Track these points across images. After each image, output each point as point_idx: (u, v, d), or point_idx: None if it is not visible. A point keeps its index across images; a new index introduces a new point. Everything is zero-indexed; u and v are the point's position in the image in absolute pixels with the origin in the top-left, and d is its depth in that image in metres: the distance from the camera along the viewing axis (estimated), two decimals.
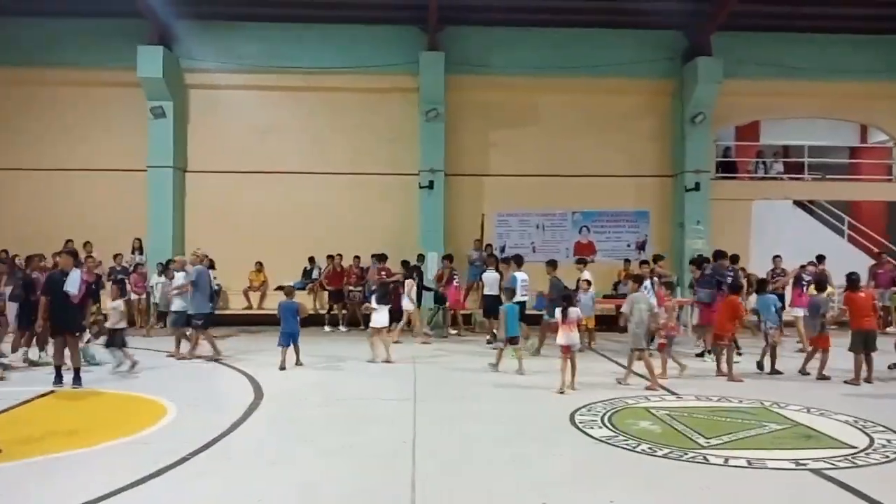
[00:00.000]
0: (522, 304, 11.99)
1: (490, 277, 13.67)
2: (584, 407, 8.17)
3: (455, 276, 15.57)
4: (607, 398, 8.70)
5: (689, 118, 17.16)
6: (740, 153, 19.51)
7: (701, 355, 11.95)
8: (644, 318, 9.69)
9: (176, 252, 16.39)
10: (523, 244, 17.89)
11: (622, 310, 10.24)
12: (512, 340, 10.68)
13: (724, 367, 10.31)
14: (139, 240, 16.39)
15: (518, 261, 12.81)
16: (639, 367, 9.95)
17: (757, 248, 16.71)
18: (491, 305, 13.27)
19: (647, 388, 9.31)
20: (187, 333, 11.88)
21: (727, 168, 18.85)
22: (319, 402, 8.53)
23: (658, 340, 10.40)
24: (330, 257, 16.56)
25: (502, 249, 17.32)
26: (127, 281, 14.81)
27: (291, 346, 11.01)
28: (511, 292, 11.24)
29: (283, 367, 10.74)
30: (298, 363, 11.02)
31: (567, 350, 9.31)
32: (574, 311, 9.48)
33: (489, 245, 17.14)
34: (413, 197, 17.02)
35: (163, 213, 16.73)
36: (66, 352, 9.47)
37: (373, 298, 11.84)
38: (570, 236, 18.11)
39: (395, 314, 15.88)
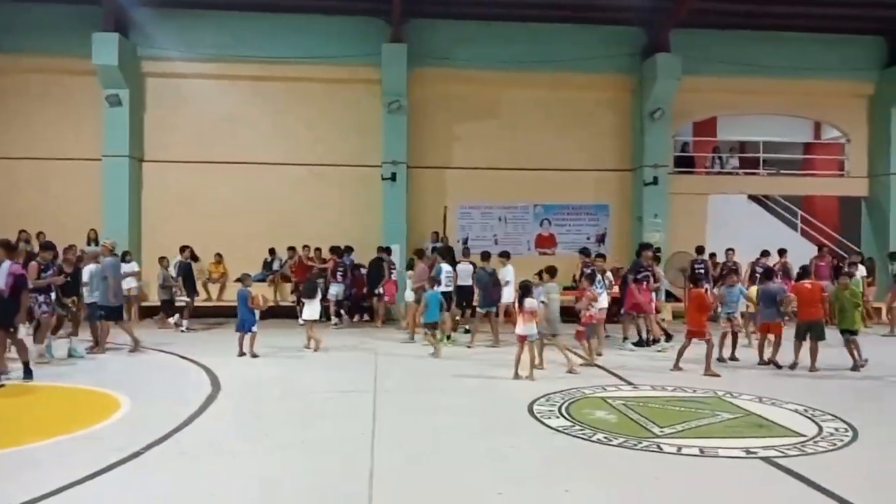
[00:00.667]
0: (447, 294, 12.69)
1: (464, 269, 13.80)
2: (542, 397, 8.23)
3: (393, 269, 15.50)
4: (565, 388, 8.77)
5: (649, 114, 17.33)
6: (698, 148, 19.80)
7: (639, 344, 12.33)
8: (556, 307, 10.24)
9: (132, 243, 16.11)
10: (485, 236, 18.01)
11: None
12: (431, 326, 11.45)
13: (713, 361, 10.16)
14: (94, 230, 16.00)
15: (443, 252, 13.88)
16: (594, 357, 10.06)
17: (713, 242, 16.98)
18: (464, 297, 13.64)
19: (582, 366, 10.15)
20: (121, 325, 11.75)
21: (685, 163, 19.15)
22: (278, 395, 8.47)
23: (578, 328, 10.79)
24: (292, 249, 16.42)
25: (465, 241, 17.38)
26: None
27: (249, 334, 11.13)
28: (434, 281, 12.18)
29: (241, 354, 10.98)
30: (252, 354, 11.03)
31: (523, 339, 9.44)
32: (530, 302, 9.56)
33: (438, 234, 17.09)
34: (376, 189, 16.91)
35: (118, 204, 16.36)
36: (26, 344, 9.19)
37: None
38: (532, 229, 18.24)
39: (358, 303, 15.90)
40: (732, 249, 15.51)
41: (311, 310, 11.82)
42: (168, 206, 16.92)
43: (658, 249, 15.03)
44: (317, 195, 17.15)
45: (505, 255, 13.84)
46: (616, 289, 13.23)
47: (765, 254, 15.10)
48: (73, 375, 9.50)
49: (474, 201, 17.91)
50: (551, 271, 10.55)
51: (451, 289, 13.09)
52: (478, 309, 12.90)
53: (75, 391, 8.60)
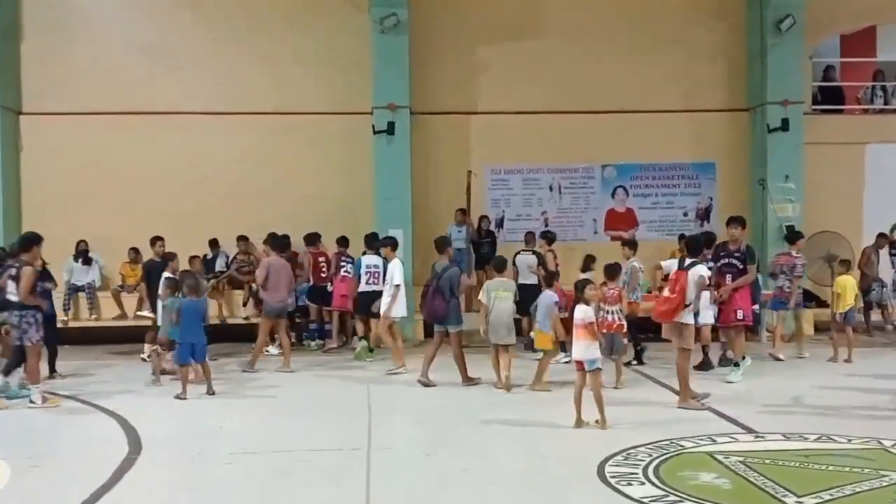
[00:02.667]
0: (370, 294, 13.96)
1: (524, 261, 14.20)
2: (619, 454, 8.12)
3: (344, 264, 15.63)
4: (653, 440, 8.65)
5: (773, 25, 17.11)
6: (848, 75, 19.43)
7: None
8: (506, 306, 11.31)
9: (8, 232, 16.13)
10: (530, 214, 17.96)
11: (479, 297, 12.01)
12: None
13: None
14: None
15: (368, 242, 14.73)
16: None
17: (872, 213, 16.78)
18: (527, 298, 13.35)
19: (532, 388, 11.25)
20: None
21: (829, 98, 18.90)
22: (224, 456, 8.44)
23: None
24: (243, 239, 16.50)
25: (500, 223, 17.31)
26: None
27: (195, 365, 11.42)
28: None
29: (181, 396, 11.10)
30: (209, 391, 11.35)
31: (581, 367, 9.38)
32: (584, 312, 9.50)
33: (484, 216, 17.16)
34: (364, 147, 16.97)
35: None
36: None
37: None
38: (600, 201, 18.19)
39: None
40: None
41: None
42: (59, 180, 16.96)
43: (793, 230, 14.87)
44: (280, 159, 17.29)
45: (548, 238, 13.84)
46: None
47: None
48: None
49: (512, 162, 17.89)
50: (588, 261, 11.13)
51: (376, 287, 13.92)
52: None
53: None
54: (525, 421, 9.78)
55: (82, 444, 9.12)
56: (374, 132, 16.76)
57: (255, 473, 7.87)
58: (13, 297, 10.66)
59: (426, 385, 11.80)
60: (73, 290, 16.26)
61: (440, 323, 12.16)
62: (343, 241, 15.84)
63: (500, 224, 17.53)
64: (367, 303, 14.16)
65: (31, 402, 10.78)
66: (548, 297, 11.66)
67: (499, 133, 17.71)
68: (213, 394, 11.33)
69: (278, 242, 14.32)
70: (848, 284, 13.56)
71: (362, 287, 14.33)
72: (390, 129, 16.67)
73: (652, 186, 18.27)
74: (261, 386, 12.31)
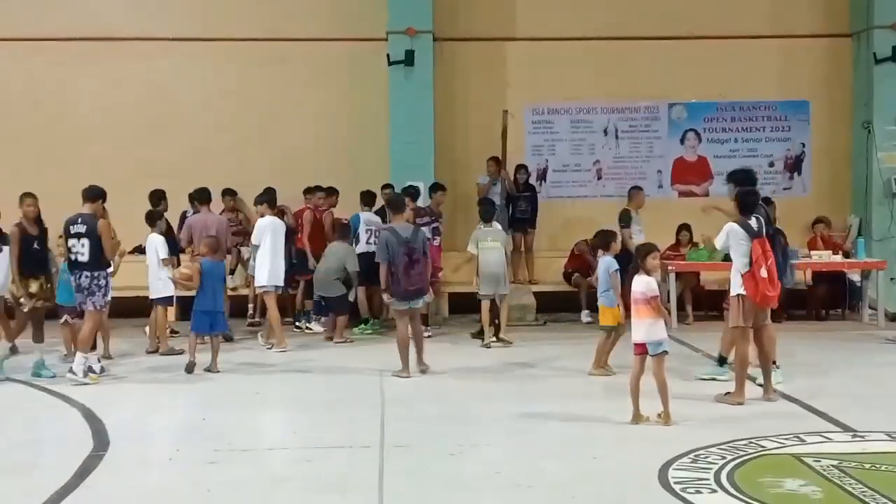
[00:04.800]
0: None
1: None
2: (685, 455, 8.14)
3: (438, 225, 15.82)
4: (727, 439, 8.65)
5: None
6: None
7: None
8: (497, 256, 12.82)
9: None
10: (580, 164, 17.99)
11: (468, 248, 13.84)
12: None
13: None
14: None
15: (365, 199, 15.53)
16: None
17: None
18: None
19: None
20: None
21: None
22: (206, 454, 8.50)
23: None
24: (229, 193, 16.41)
25: (542, 175, 17.39)
26: None
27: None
28: None
29: (190, 369, 11.94)
30: (212, 367, 12.06)
31: (642, 350, 9.39)
32: (644, 283, 9.51)
33: (522, 166, 17.09)
34: (377, 82, 17.01)
35: None
36: None
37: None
38: (666, 148, 18.19)
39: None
40: None
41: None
42: (2, 120, 17.17)
43: None
44: (274, 96, 17.36)
45: None
46: None
47: None
48: None
49: (558, 100, 17.88)
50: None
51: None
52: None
53: None
54: (570, 415, 9.83)
55: (37, 438, 9.27)
56: (389, 63, 16.81)
57: (243, 477, 7.89)
58: (81, 258, 11.33)
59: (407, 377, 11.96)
60: None
61: (419, 297, 12.45)
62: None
63: (542, 176, 17.52)
64: (369, 266, 14.26)
65: (72, 372, 11.26)
66: (607, 263, 11.73)
67: (541, 64, 17.76)
68: (218, 371, 11.99)
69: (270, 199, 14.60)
70: None
71: (362, 247, 14.90)
72: (409, 58, 16.71)
73: (730, 130, 18.23)
74: (253, 371, 12.54)
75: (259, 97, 17.40)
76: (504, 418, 9.75)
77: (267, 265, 13.68)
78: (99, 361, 11.79)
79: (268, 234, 13.79)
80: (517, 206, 16.85)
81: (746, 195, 10.56)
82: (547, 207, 16.97)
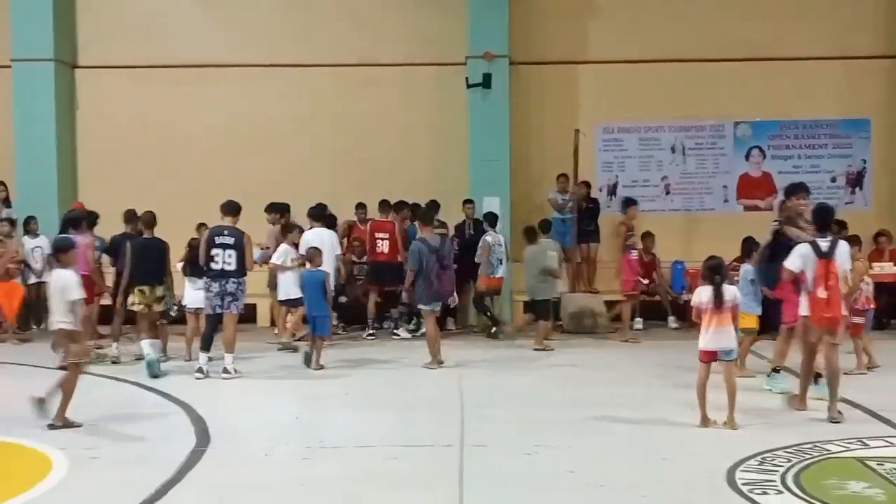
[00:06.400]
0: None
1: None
2: (752, 458, 8.22)
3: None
4: (793, 443, 8.70)
5: None
6: None
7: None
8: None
9: (63, 200, 16.83)
10: (648, 180, 18.23)
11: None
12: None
13: None
14: (3, 184, 16.97)
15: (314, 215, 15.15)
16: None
17: None
18: None
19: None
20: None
21: None
22: (299, 451, 8.88)
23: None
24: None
25: (612, 190, 17.71)
26: None
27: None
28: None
29: (308, 361, 12.81)
30: (316, 366, 12.77)
31: (710, 357, 9.50)
32: (733, 292, 9.62)
33: (584, 182, 17.27)
34: (459, 102, 17.44)
35: (40, 137, 17.23)
36: None
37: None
38: (732, 164, 18.33)
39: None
40: None
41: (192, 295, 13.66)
42: (118, 141, 17.70)
43: None
44: (362, 116, 17.75)
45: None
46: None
47: None
48: None
49: (627, 119, 18.15)
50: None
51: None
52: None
53: None
54: (640, 418, 9.95)
55: (144, 435, 9.49)
56: (468, 85, 17.18)
57: (333, 472, 8.15)
58: (229, 267, 12.31)
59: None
60: None
61: (446, 299, 13.54)
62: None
63: (612, 191, 17.80)
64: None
65: (226, 370, 12.24)
66: (748, 271, 11.84)
67: (612, 85, 18.07)
68: (322, 367, 12.75)
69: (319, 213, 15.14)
70: None
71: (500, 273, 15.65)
72: (486, 81, 17.08)
73: (793, 147, 18.36)
74: (341, 374, 12.84)
75: (351, 118, 17.73)
76: (576, 420, 9.86)
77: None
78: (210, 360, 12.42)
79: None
80: (580, 220, 16.95)
81: (823, 213, 10.20)
82: (608, 221, 17.44)
